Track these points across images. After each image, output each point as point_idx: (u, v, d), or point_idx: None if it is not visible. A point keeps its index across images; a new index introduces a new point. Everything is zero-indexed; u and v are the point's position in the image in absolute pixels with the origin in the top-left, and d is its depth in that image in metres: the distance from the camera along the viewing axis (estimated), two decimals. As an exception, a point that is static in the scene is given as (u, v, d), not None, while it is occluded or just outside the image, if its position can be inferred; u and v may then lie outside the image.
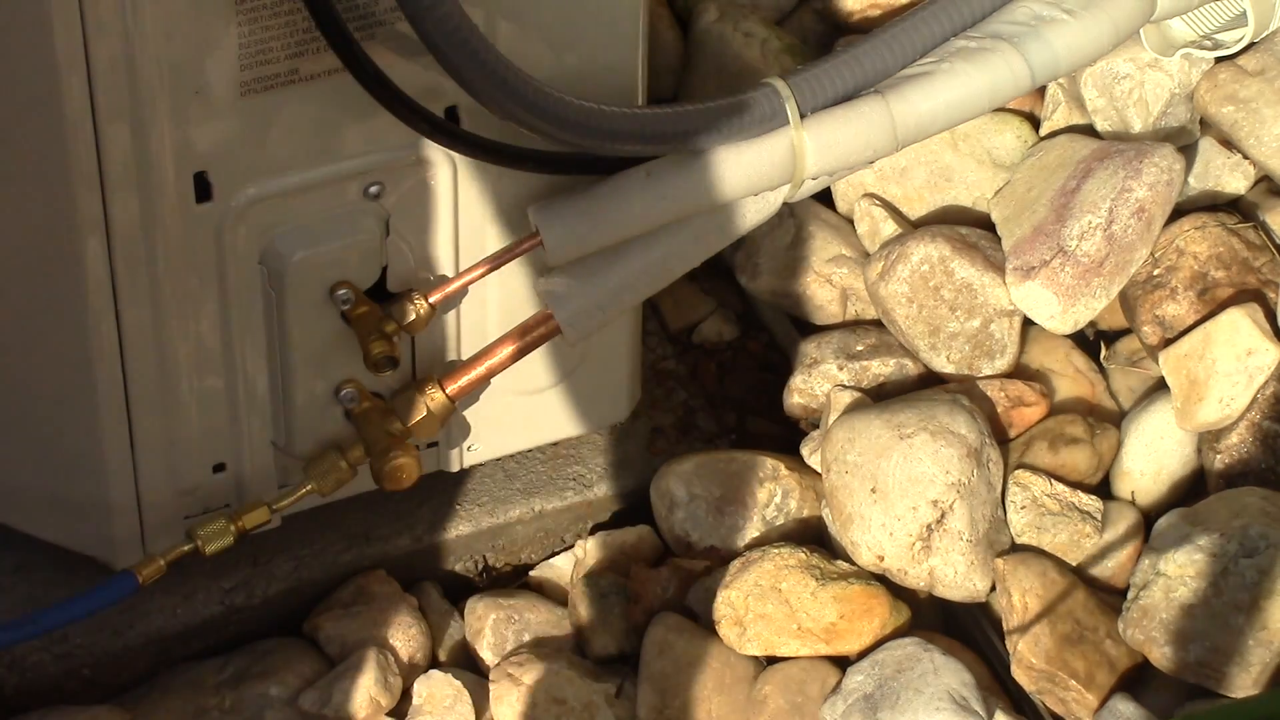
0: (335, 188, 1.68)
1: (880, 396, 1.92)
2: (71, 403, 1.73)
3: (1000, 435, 1.88)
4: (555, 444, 1.98)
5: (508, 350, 1.78)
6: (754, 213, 1.78)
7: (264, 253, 1.68)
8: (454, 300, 1.76)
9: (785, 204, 1.80)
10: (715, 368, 2.10)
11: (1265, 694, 1.69)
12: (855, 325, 2.01)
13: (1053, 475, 1.85)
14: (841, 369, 1.95)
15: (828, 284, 2.01)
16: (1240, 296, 1.87)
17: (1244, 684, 1.71)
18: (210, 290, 1.69)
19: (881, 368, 1.95)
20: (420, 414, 1.76)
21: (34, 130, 1.58)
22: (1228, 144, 1.94)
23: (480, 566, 1.97)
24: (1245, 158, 1.93)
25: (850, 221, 2.05)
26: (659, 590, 1.87)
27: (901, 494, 1.80)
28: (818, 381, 1.95)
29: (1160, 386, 1.91)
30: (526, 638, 1.88)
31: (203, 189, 1.63)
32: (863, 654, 1.79)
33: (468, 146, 1.66)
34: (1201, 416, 1.85)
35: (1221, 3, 1.90)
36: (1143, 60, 1.94)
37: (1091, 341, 2.00)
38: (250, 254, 1.68)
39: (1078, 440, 1.87)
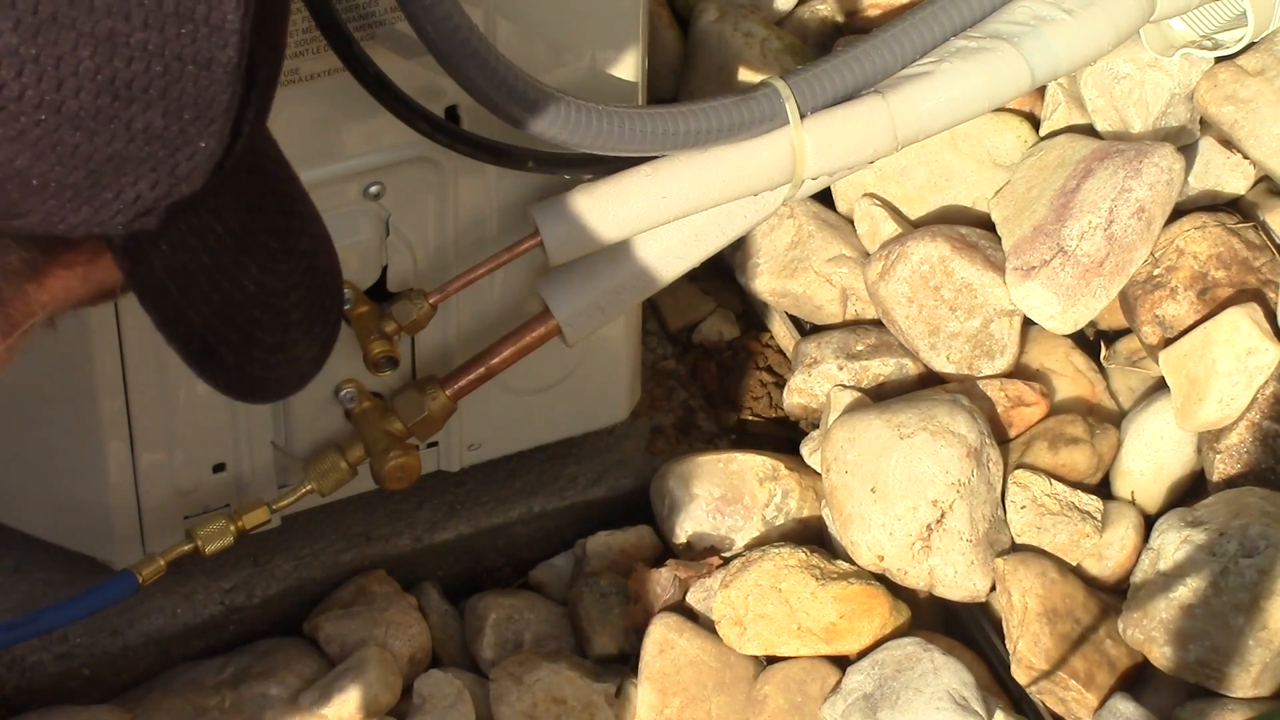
0: (335, 188, 1.68)
1: (880, 396, 1.92)
2: (71, 403, 1.73)
3: (1000, 435, 1.88)
4: (555, 444, 1.98)
5: (508, 350, 1.78)
6: (754, 213, 1.78)
7: (264, 253, 1.68)
8: (454, 300, 1.75)
9: (785, 204, 1.80)
10: (715, 368, 2.10)
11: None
12: (855, 325, 2.01)
13: (1053, 475, 1.85)
14: (841, 369, 1.95)
15: (828, 284, 2.01)
16: (1240, 296, 1.87)
17: (1244, 684, 1.71)
18: (210, 290, 1.68)
19: (881, 368, 1.95)
20: (420, 414, 1.76)
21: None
22: (1228, 144, 1.94)
23: (480, 566, 1.97)
24: (1245, 158, 1.93)
25: (850, 221, 2.05)
26: (659, 590, 1.87)
27: (901, 494, 1.80)
28: (818, 381, 1.95)
29: (1160, 386, 1.91)
30: (526, 638, 1.88)
31: (203, 189, 1.62)
32: (863, 654, 1.79)
33: (468, 146, 1.66)
34: (1201, 416, 1.84)
35: (1221, 3, 1.90)
36: (1143, 60, 1.94)
37: (1091, 341, 2.00)
38: (250, 254, 1.68)
39: (1078, 440, 1.87)
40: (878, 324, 2.00)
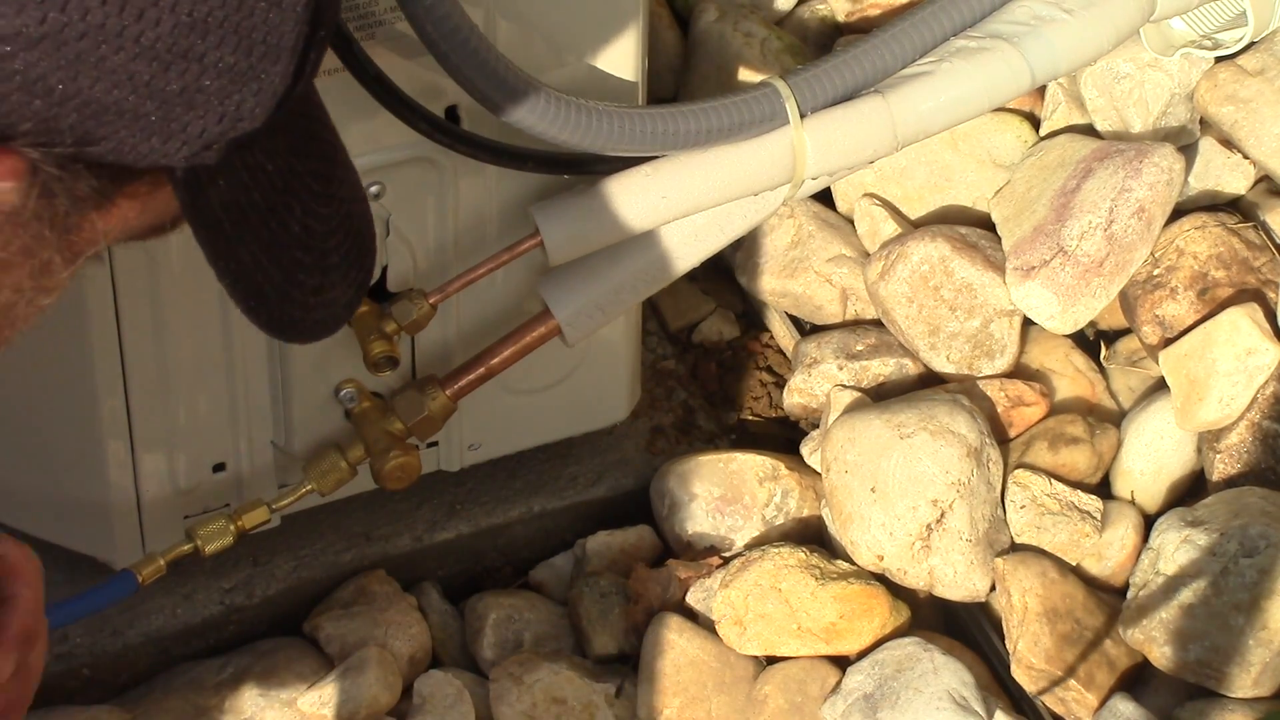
0: (335, 188, 1.67)
1: (880, 396, 1.92)
2: (71, 403, 1.73)
3: (1000, 435, 1.88)
4: (555, 444, 1.98)
5: (508, 350, 1.78)
6: (754, 213, 1.78)
7: (264, 253, 1.68)
8: (454, 300, 1.75)
9: (785, 204, 1.80)
10: (715, 368, 2.10)
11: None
12: (855, 325, 2.01)
13: (1053, 475, 1.85)
14: (841, 369, 1.95)
15: (828, 284, 2.01)
16: (1240, 296, 1.87)
17: (1244, 684, 1.71)
18: (209, 290, 1.68)
19: (881, 368, 1.95)
20: (420, 414, 1.76)
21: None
22: (1228, 144, 1.94)
23: (480, 566, 1.97)
24: (1245, 158, 1.93)
25: (850, 221, 2.05)
26: (659, 590, 1.87)
27: (901, 494, 1.80)
28: (818, 381, 1.95)
29: (1160, 386, 1.91)
30: (526, 638, 1.88)
31: (203, 189, 1.62)
32: (863, 654, 1.79)
33: (468, 146, 1.66)
34: (1201, 416, 1.84)
35: (1221, 3, 1.90)
36: (1143, 60, 1.94)
37: (1091, 341, 2.00)
38: (250, 254, 1.67)
39: (1078, 440, 1.87)
40: (878, 324, 2.00)
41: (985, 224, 1.98)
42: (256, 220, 0.87)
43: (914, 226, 2.00)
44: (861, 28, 2.12)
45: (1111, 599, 1.81)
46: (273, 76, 0.80)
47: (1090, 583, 1.83)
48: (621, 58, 1.73)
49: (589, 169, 1.72)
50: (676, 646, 1.82)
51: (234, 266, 0.89)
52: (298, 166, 0.88)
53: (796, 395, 1.97)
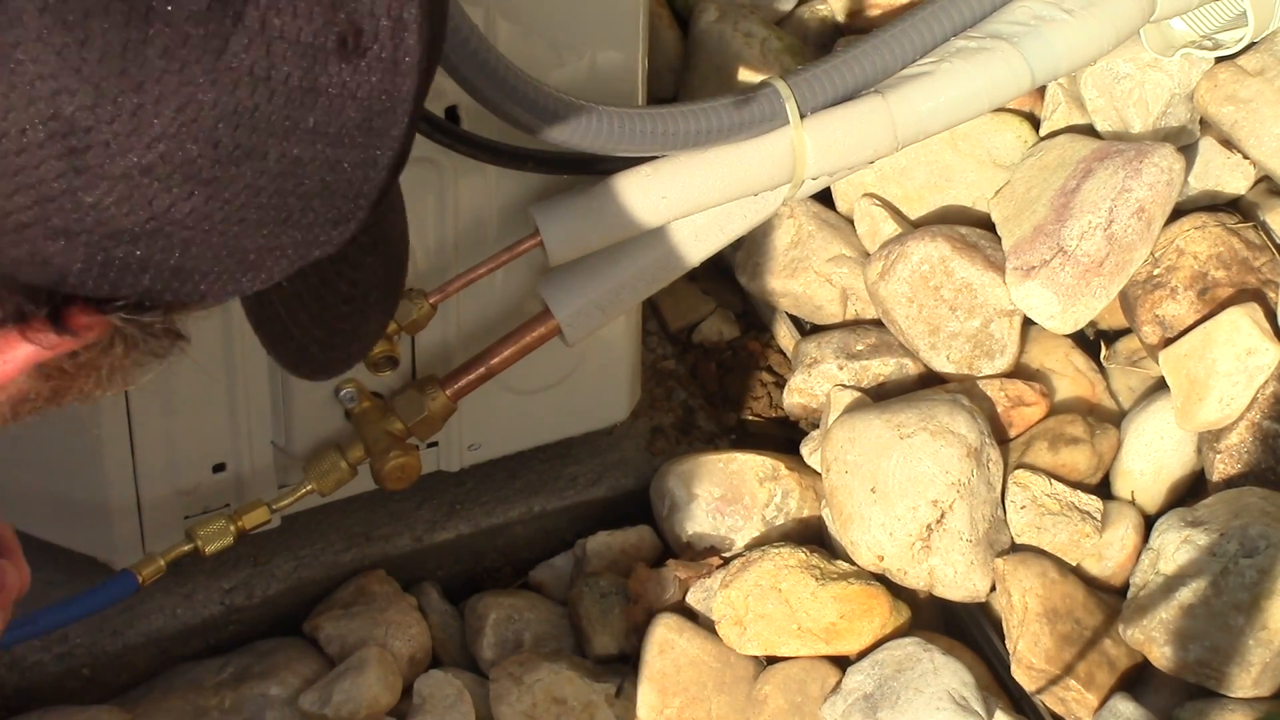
0: (335, 188, 1.67)
1: (880, 396, 1.92)
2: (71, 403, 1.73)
3: (1000, 435, 1.88)
4: (555, 444, 1.98)
5: (508, 350, 1.78)
6: (754, 213, 1.78)
7: (264, 253, 1.68)
8: (454, 300, 1.75)
9: (785, 204, 1.80)
10: (715, 368, 2.10)
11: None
12: (855, 325, 2.01)
13: (1053, 475, 1.85)
14: (841, 369, 1.95)
15: (828, 284, 2.01)
16: (1240, 296, 1.87)
17: (1244, 684, 1.71)
18: (210, 290, 1.69)
19: (881, 368, 1.95)
20: (420, 414, 1.76)
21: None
22: (1228, 144, 1.94)
23: (480, 566, 1.97)
24: (1245, 158, 1.93)
25: (850, 221, 2.05)
26: (659, 590, 1.87)
27: (901, 494, 1.80)
28: (818, 381, 1.95)
29: (1160, 386, 1.91)
30: (526, 638, 1.88)
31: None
32: (863, 654, 1.79)
33: (468, 146, 1.66)
34: (1202, 416, 1.84)
35: (1221, 3, 1.90)
36: (1143, 60, 1.94)
37: (1091, 341, 2.00)
38: (250, 254, 1.67)
39: (1078, 440, 1.87)
40: (878, 324, 1.99)
41: (985, 224, 1.98)
42: (310, 298, 0.89)
43: (914, 226, 2.00)
44: (861, 28, 2.12)
45: (1111, 599, 1.81)
46: (357, 218, 0.82)
47: (1090, 583, 1.83)
48: (621, 58, 1.73)
49: (589, 169, 1.72)
50: (676, 646, 1.82)
51: (284, 341, 0.91)
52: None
53: (796, 395, 1.97)
